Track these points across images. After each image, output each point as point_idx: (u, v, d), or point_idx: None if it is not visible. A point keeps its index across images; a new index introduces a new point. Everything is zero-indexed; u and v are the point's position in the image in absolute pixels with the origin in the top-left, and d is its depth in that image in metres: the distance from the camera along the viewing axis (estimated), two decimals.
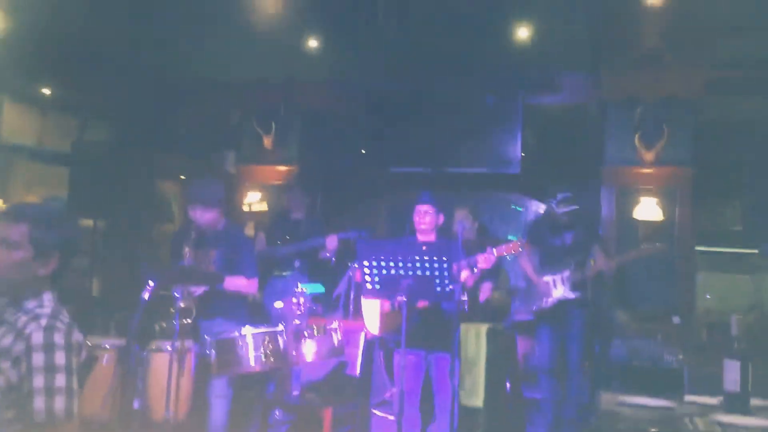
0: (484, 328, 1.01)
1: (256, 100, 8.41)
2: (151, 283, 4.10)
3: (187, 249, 4.51)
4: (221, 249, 4.70)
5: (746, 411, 2.61)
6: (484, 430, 0.95)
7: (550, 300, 5.57)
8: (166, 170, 9.14)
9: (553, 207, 5.69)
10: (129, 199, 8.00)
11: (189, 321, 4.11)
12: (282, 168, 8.31)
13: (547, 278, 5.61)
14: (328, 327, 4.40)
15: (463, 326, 1.01)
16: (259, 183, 8.38)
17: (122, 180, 7.68)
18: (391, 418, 4.56)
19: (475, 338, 1.01)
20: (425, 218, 4.76)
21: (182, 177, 9.48)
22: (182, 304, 3.95)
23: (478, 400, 0.97)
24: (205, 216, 4.69)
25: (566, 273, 5.54)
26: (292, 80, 8.12)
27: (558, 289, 5.54)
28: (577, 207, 5.61)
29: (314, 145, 8.38)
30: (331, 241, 5.95)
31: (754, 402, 2.68)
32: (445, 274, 4.19)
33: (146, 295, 4.04)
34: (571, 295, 5.51)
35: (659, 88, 7.08)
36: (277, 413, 4.38)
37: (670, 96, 7.05)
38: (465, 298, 4.69)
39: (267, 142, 8.28)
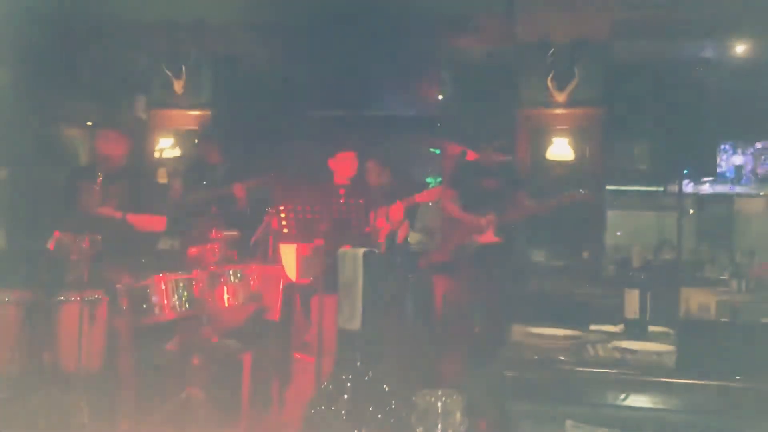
0: (360, 251, 1.02)
1: (165, 43, 8.10)
2: (56, 232, 3.98)
3: (86, 183, 4.30)
4: (125, 185, 4.51)
5: (644, 337, 2.76)
6: (362, 353, 0.98)
7: (473, 242, 5.68)
8: (73, 116, 8.73)
9: (486, 152, 5.76)
10: (34, 146, 7.63)
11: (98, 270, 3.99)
12: (195, 112, 8.07)
13: (475, 221, 5.71)
14: (245, 273, 4.37)
15: (339, 251, 1.03)
16: (171, 128, 8.13)
17: (26, 126, 7.30)
18: (311, 359, 4.60)
19: (352, 262, 1.01)
20: (344, 163, 4.75)
21: (89, 123, 9.09)
22: (89, 252, 3.82)
23: (356, 324, 0.99)
24: (116, 143, 4.49)
25: (491, 217, 5.64)
26: (202, 22, 7.84)
27: (483, 232, 5.64)
28: (510, 156, 5.70)
29: (228, 89, 8.17)
30: (239, 190, 5.83)
31: (652, 328, 2.83)
32: (362, 217, 4.22)
33: (51, 245, 3.92)
34: (495, 239, 5.63)
35: (570, 30, 7.20)
36: (196, 360, 4.34)
37: (580, 38, 7.18)
38: (381, 240, 4.76)
39: (178, 86, 8.02)
